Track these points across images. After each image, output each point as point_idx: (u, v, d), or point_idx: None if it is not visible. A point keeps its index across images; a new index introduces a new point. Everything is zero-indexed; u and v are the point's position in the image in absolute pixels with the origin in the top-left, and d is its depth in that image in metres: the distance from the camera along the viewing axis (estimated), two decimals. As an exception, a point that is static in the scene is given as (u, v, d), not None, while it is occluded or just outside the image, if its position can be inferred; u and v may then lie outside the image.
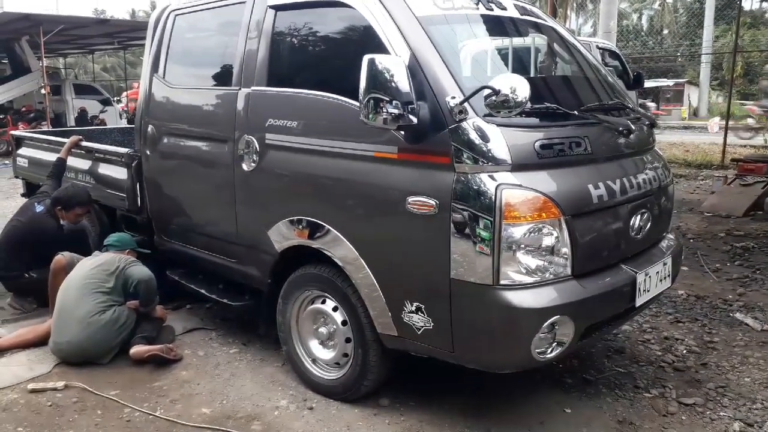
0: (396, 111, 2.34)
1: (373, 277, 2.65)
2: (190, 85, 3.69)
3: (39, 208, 4.33)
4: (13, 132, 5.80)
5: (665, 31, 38.89)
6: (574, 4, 41.46)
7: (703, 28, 27.39)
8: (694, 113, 28.14)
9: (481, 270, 2.32)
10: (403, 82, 2.35)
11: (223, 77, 3.42)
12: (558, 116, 2.57)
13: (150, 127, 3.90)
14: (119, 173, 4.25)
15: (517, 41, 3.36)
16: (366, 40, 2.66)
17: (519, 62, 3.25)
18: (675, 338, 3.80)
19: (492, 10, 2.95)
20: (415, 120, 2.39)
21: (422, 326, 2.53)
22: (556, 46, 3.48)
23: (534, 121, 2.51)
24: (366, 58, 2.35)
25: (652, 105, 18.08)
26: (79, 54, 25.87)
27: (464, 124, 2.36)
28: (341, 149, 2.74)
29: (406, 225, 2.50)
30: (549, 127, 2.52)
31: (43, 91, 15.13)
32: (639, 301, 2.67)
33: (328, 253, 2.82)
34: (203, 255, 3.68)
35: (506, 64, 3.17)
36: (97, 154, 4.54)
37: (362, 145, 2.65)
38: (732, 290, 4.69)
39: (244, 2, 3.31)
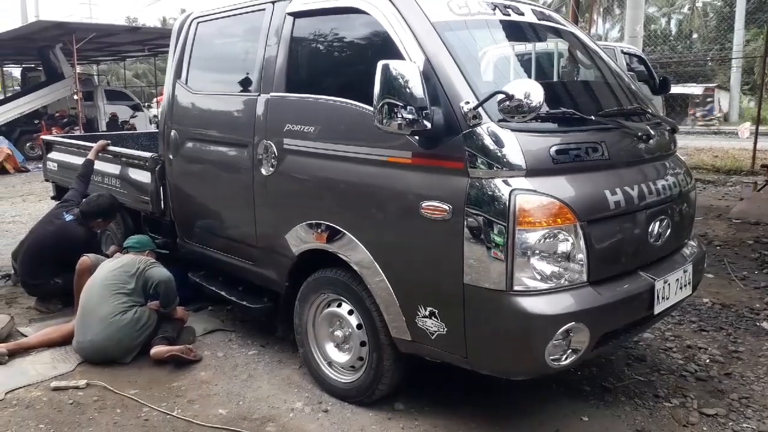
0: (410, 116, 2.35)
1: (387, 282, 2.66)
2: (212, 91, 3.76)
3: (68, 217, 4.42)
4: (43, 137, 5.95)
5: (694, 36, 38.26)
6: (601, 9, 41.10)
7: (734, 31, 26.85)
8: (725, 118, 27.56)
9: (494, 275, 2.31)
10: (417, 87, 2.36)
11: (243, 83, 3.48)
12: (574, 121, 2.55)
13: (173, 132, 3.98)
14: (143, 177, 4.34)
15: (536, 47, 3.35)
16: (381, 46, 2.68)
17: (538, 67, 3.23)
18: (698, 347, 3.72)
19: (509, 15, 2.94)
20: (429, 125, 2.39)
21: (436, 331, 2.53)
22: (575, 51, 3.46)
23: (550, 126, 2.50)
24: (380, 63, 2.37)
25: None
26: (112, 61, 26.47)
27: (478, 129, 2.36)
28: (356, 154, 2.76)
29: (420, 230, 2.51)
30: (565, 132, 2.51)
31: (75, 97, 15.48)
32: (658, 309, 2.63)
33: (344, 257, 2.84)
34: (223, 257, 3.73)
35: (525, 70, 3.16)
36: (122, 159, 4.64)
37: (377, 149, 2.67)
38: (759, 299, 4.58)
39: (263, 9, 3.36)
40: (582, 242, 2.36)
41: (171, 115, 4.02)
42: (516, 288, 2.30)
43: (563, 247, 2.34)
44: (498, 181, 2.32)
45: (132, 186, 4.50)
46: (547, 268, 2.33)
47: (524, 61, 3.18)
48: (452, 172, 2.42)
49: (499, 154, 2.32)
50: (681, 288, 2.78)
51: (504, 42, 2.98)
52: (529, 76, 3.02)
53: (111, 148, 4.78)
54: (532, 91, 2.21)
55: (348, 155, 2.80)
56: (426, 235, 2.50)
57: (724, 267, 5.38)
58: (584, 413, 2.94)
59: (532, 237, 2.28)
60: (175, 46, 4.05)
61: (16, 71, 26.15)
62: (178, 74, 3.99)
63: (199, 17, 3.93)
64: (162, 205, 4.20)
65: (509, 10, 2.97)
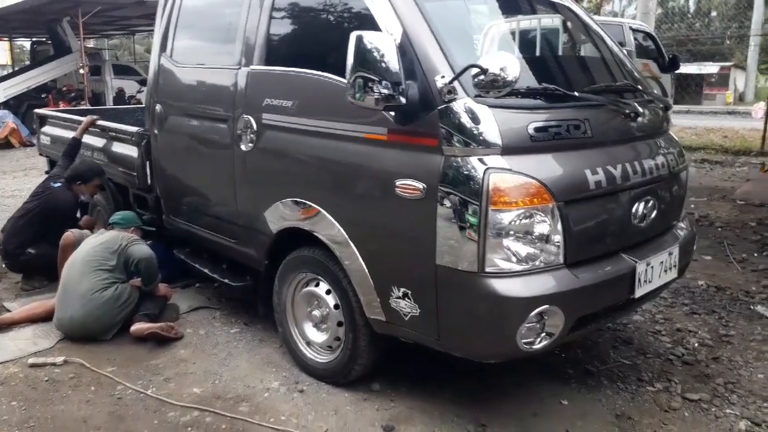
0: (384, 91, 2.26)
1: (362, 261, 2.60)
2: (195, 64, 3.68)
3: (56, 184, 4.43)
4: (36, 111, 5.91)
5: (713, 13, 37.41)
6: (618, -15, 40.22)
7: (753, 9, 26.20)
8: (740, 98, 27.05)
9: (467, 257, 2.24)
10: (392, 60, 2.27)
11: (226, 55, 3.38)
12: (556, 97, 2.45)
13: (158, 107, 3.91)
14: (130, 151, 4.29)
15: (528, 21, 3.21)
16: (359, 16, 2.59)
17: (527, 41, 3.10)
18: (688, 330, 3.65)
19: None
20: (403, 100, 2.31)
21: (409, 312, 2.47)
22: (569, 25, 3.33)
23: (529, 102, 2.40)
24: (353, 35, 2.27)
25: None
26: (122, 35, 26.30)
27: (453, 105, 2.27)
28: (333, 130, 2.68)
29: (394, 208, 2.44)
30: (545, 108, 2.41)
31: (81, 71, 15.43)
32: (639, 292, 2.55)
33: (320, 236, 2.78)
34: (207, 235, 3.69)
35: (515, 44, 3.03)
36: (110, 133, 4.59)
37: (353, 125, 2.59)
38: (756, 282, 4.48)
39: (247, -20, 3.26)
40: (559, 223, 2.28)
41: (156, 89, 3.95)
42: (488, 269, 2.23)
43: (539, 228, 2.26)
44: (472, 159, 2.24)
45: (119, 161, 4.45)
46: (522, 249, 2.25)
47: (514, 34, 3.04)
48: (427, 149, 2.34)
49: (474, 131, 2.24)
50: (666, 271, 2.70)
51: (492, 14, 2.86)
52: (521, 51, 2.89)
53: (99, 122, 4.73)
54: (508, 65, 2.11)
55: (325, 131, 2.72)
56: (400, 215, 2.43)
57: (723, 249, 5.27)
58: (564, 396, 2.89)
59: (506, 217, 2.20)
60: (161, 18, 3.96)
61: (28, 45, 26.17)
62: (163, 47, 3.90)
63: (186, -12, 3.83)
64: (148, 181, 4.15)
65: (496, -19, 2.86)
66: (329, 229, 2.71)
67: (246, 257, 3.39)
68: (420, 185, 2.33)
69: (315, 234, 2.80)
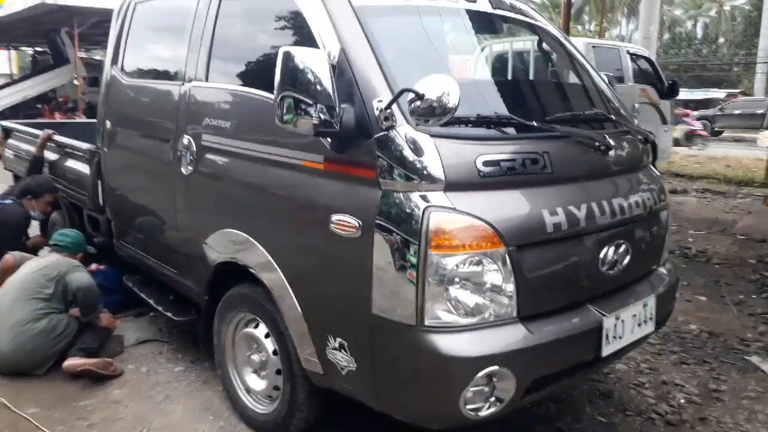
0: (315, 114, 2.00)
1: (297, 304, 2.32)
2: (142, 79, 3.44)
3: (6, 201, 4.20)
4: (1, 123, 5.69)
5: (721, 40, 37.31)
6: (625, 10, 40.21)
7: (760, 36, 26.03)
8: (748, 126, 26.72)
9: (404, 307, 1.95)
10: (324, 80, 2.00)
11: (171, 71, 3.15)
12: (512, 127, 2.17)
13: (107, 122, 3.67)
14: (84, 170, 4.04)
15: (491, 41, 2.94)
16: (298, 31, 2.34)
17: (486, 64, 2.83)
18: (675, 383, 3.32)
19: (456, 1, 2.57)
20: (336, 126, 2.04)
21: (346, 366, 2.18)
22: (538, 47, 3.07)
23: (479, 132, 2.12)
24: (281, 50, 2.01)
25: (696, 123, 16.74)
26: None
27: (392, 133, 1.99)
28: (270, 155, 2.42)
29: (329, 247, 2.16)
30: (498, 139, 2.13)
31: (75, 82, 15.31)
32: (607, 351, 2.24)
33: (255, 272, 2.50)
34: (151, 263, 3.42)
35: (473, 67, 2.77)
36: (65, 149, 4.35)
37: (291, 151, 2.32)
38: (752, 328, 4.15)
39: (194, -9, 3.02)
40: (510, 271, 1.99)
41: (107, 103, 3.71)
42: (428, 323, 1.93)
43: (487, 276, 1.97)
44: (412, 195, 1.96)
45: (72, 179, 4.21)
46: (467, 300, 1.96)
47: (472, 56, 2.77)
48: (364, 182, 2.07)
49: (414, 163, 1.96)
50: (639, 325, 2.39)
51: (451, 34, 2.60)
52: (478, 74, 2.62)
53: (56, 138, 4.49)
54: (447, 90, 1.84)
55: (263, 156, 2.45)
56: (335, 254, 2.15)
57: (719, 288, 4.94)
58: (527, 460, 2.57)
59: (448, 263, 1.92)
60: (114, 28, 3.74)
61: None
62: (114, 60, 3.68)
63: (139, -1, 3.60)
64: (100, 202, 3.89)
65: (457, -3, 2.60)
66: (264, 265, 2.44)
67: (187, 290, 3.12)
68: (355, 222, 2.05)
69: (250, 269, 2.52)
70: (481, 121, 2.13)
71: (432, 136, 1.99)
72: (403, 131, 1.99)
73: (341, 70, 2.12)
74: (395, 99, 1.93)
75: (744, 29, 35.96)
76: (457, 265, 1.93)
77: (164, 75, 3.20)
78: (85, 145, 4.03)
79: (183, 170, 2.89)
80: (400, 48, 2.34)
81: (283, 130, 2.15)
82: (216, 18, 2.83)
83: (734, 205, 8.64)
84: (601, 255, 2.27)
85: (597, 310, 2.24)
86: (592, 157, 2.36)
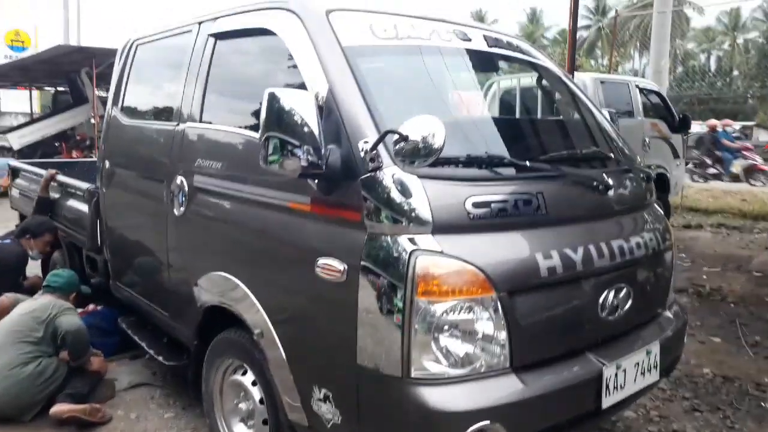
0: (301, 155, 1.94)
1: (282, 352, 2.22)
2: (140, 119, 3.44)
3: (6, 240, 4.19)
4: (9, 162, 5.74)
5: (735, 72, 37.29)
6: (638, 44, 40.43)
7: (774, 69, 25.94)
8: (764, 159, 26.42)
9: (390, 357, 1.85)
10: (309, 122, 1.95)
11: (167, 111, 3.14)
12: (503, 167, 2.10)
13: (106, 162, 3.66)
14: (83, 209, 4.02)
15: (483, 79, 2.89)
16: (287, 71, 2.30)
17: (482, 101, 2.78)
18: (686, 433, 3.16)
19: (449, 41, 2.53)
20: (322, 167, 1.98)
21: (331, 419, 2.07)
22: (540, 84, 3.02)
23: (469, 172, 2.04)
24: (266, 91, 1.98)
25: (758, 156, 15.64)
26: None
27: (379, 174, 1.93)
28: (258, 196, 2.36)
29: (315, 292, 2.08)
30: (488, 180, 2.05)
31: (92, 120, 15.59)
32: (607, 402, 2.11)
33: (242, 318, 2.42)
34: (144, 305, 3.36)
35: (468, 106, 2.71)
36: (66, 189, 4.35)
37: (278, 193, 2.26)
38: (769, 371, 3.97)
39: (190, 31, 3.03)
40: (502, 318, 1.89)
41: (106, 143, 3.72)
42: (415, 374, 1.83)
43: (477, 324, 1.87)
44: (398, 239, 1.88)
45: (72, 218, 4.19)
46: (456, 350, 1.86)
47: (465, 94, 2.71)
48: (350, 224, 1.99)
49: (401, 205, 1.89)
50: (643, 374, 2.26)
51: (439, 72, 2.55)
52: (471, 112, 2.56)
53: (59, 177, 4.49)
54: (432, 131, 1.78)
55: (251, 198, 2.40)
56: (320, 300, 2.07)
57: (735, 329, 4.75)
58: None
59: (436, 310, 1.82)
60: (117, 68, 3.77)
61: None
62: (115, 100, 3.69)
63: (139, 39, 3.63)
64: (98, 242, 3.86)
65: (452, 35, 2.56)
66: (251, 309, 2.36)
67: (179, 333, 3.05)
68: (341, 266, 1.97)
69: (236, 314, 2.45)
70: (472, 161, 2.06)
71: (420, 177, 1.92)
72: (390, 172, 1.92)
73: (329, 110, 2.07)
74: (380, 140, 1.87)
75: (758, 61, 35.89)
76: (445, 313, 1.83)
77: (161, 115, 3.19)
78: (84, 185, 4.03)
79: (175, 211, 2.85)
80: (390, 88, 2.30)
81: (271, 171, 2.10)
82: (211, 58, 2.82)
83: (750, 241, 8.42)
84: (601, 300, 2.17)
85: (596, 358, 2.12)
86: (590, 196, 2.28)
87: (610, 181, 2.33)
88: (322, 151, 1.98)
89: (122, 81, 3.67)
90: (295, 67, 2.25)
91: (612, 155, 2.59)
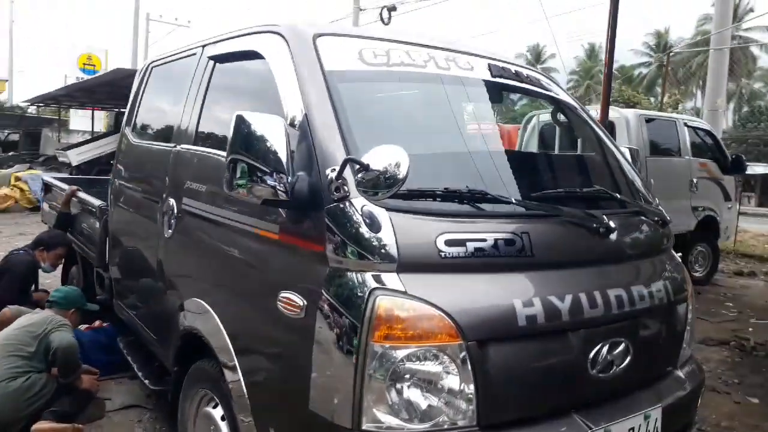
0: (269, 182, 1.84)
1: (244, 387, 2.09)
2: (145, 140, 3.43)
3: (20, 251, 4.27)
4: (43, 177, 5.90)
5: (806, 113, 35.64)
6: (700, 82, 39.22)
7: None
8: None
9: (341, 405, 1.70)
10: (277, 146, 1.85)
11: (168, 132, 3.11)
12: (485, 202, 1.93)
13: (116, 181, 3.67)
14: (95, 226, 4.04)
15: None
16: (268, 95, 2.21)
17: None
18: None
19: (447, 69, 2.39)
20: (285, 194, 1.86)
21: (286, 464, 1.92)
22: (553, 117, 2.84)
23: (445, 206, 1.88)
24: (235, 114, 1.89)
25: None
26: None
27: (344, 205, 1.80)
28: (233, 221, 2.27)
29: (275, 328, 1.95)
30: (466, 216, 1.88)
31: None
32: (593, 472, 1.88)
33: (212, 346, 2.31)
34: (137, 325, 3.31)
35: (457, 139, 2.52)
36: (83, 206, 4.40)
37: (250, 219, 2.16)
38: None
39: (195, 54, 3.02)
40: (470, 370, 1.71)
41: (118, 162, 3.73)
42: (366, 427, 1.67)
43: (440, 374, 1.69)
44: (359, 276, 1.74)
45: (88, 234, 4.22)
46: (415, 402, 1.68)
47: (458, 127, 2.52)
48: (312, 256, 1.86)
49: (364, 238, 1.75)
50: (639, 441, 2.01)
51: (429, 101, 2.41)
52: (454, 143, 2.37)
53: (79, 194, 4.55)
54: (395, 161, 1.64)
55: (227, 223, 2.31)
56: (279, 337, 1.95)
57: (773, 389, 4.34)
58: None
59: (394, 356, 1.66)
60: (133, 91, 3.80)
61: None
62: (128, 121, 3.72)
63: (154, 62, 3.66)
64: (106, 259, 3.86)
65: (452, 63, 2.43)
66: (219, 339, 2.25)
67: (164, 358, 2.96)
68: (301, 302, 1.84)
69: (206, 342, 2.34)
70: (450, 195, 1.90)
71: (388, 209, 1.78)
72: (359, 203, 1.79)
73: (303, 136, 1.97)
74: (342, 168, 1.74)
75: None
76: (404, 360, 1.67)
77: (162, 136, 3.17)
78: (97, 202, 4.05)
79: (165, 233, 2.79)
80: (372, 116, 2.19)
81: (239, 197, 2.00)
82: (209, 80, 2.79)
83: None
84: (591, 355, 1.95)
85: (583, 420, 1.90)
86: (587, 240, 2.07)
87: (613, 224, 2.12)
88: (289, 178, 1.87)
89: (136, 102, 3.70)
90: (273, 91, 2.17)
91: (620, 196, 2.38)
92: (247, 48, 2.49)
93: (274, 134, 1.86)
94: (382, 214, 1.77)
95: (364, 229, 1.75)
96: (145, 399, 3.62)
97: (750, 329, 5.88)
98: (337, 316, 1.73)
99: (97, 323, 4.11)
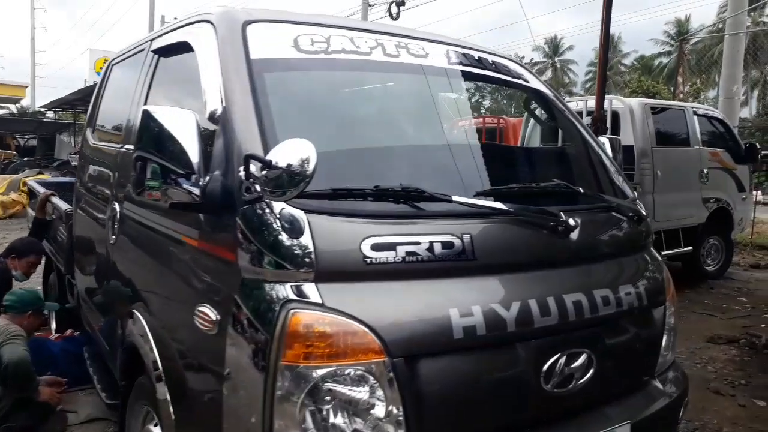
0: (171, 181, 1.67)
1: (171, 407, 1.92)
2: (100, 140, 3.28)
3: None
4: (26, 180, 5.81)
5: (829, 100, 34.66)
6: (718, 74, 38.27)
7: None
8: None
9: (250, 431, 1.51)
10: (187, 144, 1.68)
11: (117, 133, 2.96)
12: (420, 201, 1.72)
13: (78, 186, 3.54)
14: (63, 232, 3.91)
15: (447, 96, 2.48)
16: (193, 89, 2.03)
17: (429, 125, 2.36)
18: None
19: (396, 56, 2.18)
20: (197, 197, 1.69)
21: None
22: (525, 107, 2.61)
23: (374, 207, 1.68)
24: (141, 109, 1.73)
25: None
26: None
27: (258, 208, 1.61)
28: (164, 228, 2.09)
29: (194, 345, 1.79)
30: (398, 217, 1.68)
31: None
32: (546, 500, 1.67)
33: (144, 361, 2.14)
34: (97, 335, 3.16)
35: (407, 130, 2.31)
36: (56, 211, 4.26)
37: (176, 224, 1.99)
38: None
39: (143, 49, 2.86)
40: (397, 390, 1.51)
41: (79, 167, 3.60)
42: (277, 455, 1.48)
43: (362, 396, 1.50)
44: (273, 287, 1.55)
45: (60, 241, 4.09)
46: (337, 428, 1.49)
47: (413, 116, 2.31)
48: (225, 266, 1.68)
49: (278, 243, 1.56)
50: (603, 464, 1.80)
51: (369, 90, 2.20)
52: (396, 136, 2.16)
53: (53, 199, 4.43)
54: (301, 156, 1.45)
55: (159, 228, 2.14)
56: (197, 355, 1.78)
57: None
58: None
59: (307, 376, 1.47)
60: (96, 91, 3.66)
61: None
62: (89, 121, 3.59)
63: (114, 59, 3.51)
64: (73, 266, 3.72)
65: (404, 50, 2.22)
66: (151, 355, 2.07)
67: (115, 371, 2.80)
68: (214, 316, 1.66)
69: (141, 354, 2.18)
70: (379, 194, 1.69)
71: (307, 211, 1.59)
72: (273, 205, 1.60)
73: (222, 131, 1.79)
74: (246, 166, 1.55)
75: None
76: (321, 380, 1.48)
77: (112, 136, 3.02)
78: (64, 206, 3.92)
79: (109, 239, 2.64)
80: (303, 108, 1.99)
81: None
82: (153, 75, 2.62)
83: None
84: (545, 368, 1.74)
85: (535, 442, 1.69)
86: (542, 240, 1.85)
87: (573, 222, 1.90)
88: (201, 178, 1.69)
89: (97, 102, 3.55)
90: (197, 84, 1.99)
91: (583, 190, 2.15)
92: (182, 39, 2.32)
93: (184, 130, 1.69)
94: (299, 217, 1.57)
95: (278, 234, 1.56)
96: (111, 412, 3.48)
97: (762, 325, 5.58)
98: (248, 332, 1.55)
99: (68, 332, 3.99)
